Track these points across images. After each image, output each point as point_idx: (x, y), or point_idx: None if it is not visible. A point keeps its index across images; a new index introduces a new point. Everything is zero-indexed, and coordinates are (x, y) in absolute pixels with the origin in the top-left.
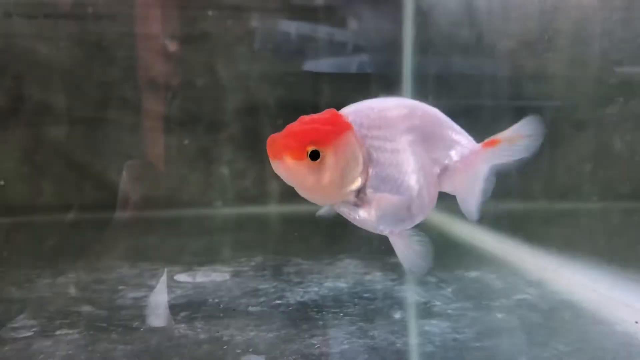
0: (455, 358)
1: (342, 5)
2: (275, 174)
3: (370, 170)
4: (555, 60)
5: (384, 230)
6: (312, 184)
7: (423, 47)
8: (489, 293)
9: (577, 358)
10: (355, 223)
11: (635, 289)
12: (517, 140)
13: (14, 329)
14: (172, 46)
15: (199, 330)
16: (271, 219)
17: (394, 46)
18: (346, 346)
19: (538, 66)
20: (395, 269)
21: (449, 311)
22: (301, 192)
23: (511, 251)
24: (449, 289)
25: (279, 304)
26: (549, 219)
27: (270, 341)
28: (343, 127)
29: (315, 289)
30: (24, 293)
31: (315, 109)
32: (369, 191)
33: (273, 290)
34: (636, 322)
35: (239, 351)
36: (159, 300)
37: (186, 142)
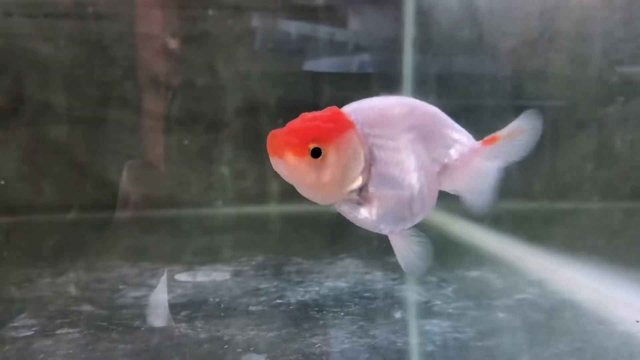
0: (456, 357)
1: (343, 5)
2: (276, 174)
3: (372, 169)
4: (556, 60)
5: (384, 229)
6: (313, 181)
7: (424, 46)
8: (489, 292)
9: (578, 357)
10: (356, 222)
11: (636, 288)
12: (516, 135)
13: (15, 329)
14: (173, 44)
15: (199, 329)
16: (272, 218)
17: (394, 46)
18: (347, 345)
19: (539, 66)
20: (395, 268)
21: (450, 310)
22: (301, 191)
23: (512, 251)
24: (450, 289)
25: (280, 304)
26: (550, 219)
27: (271, 340)
28: (345, 125)
29: (316, 288)
30: (24, 292)
31: (316, 109)
32: (370, 190)
33: (274, 289)
34: (637, 322)
35: (239, 350)
36: (159, 300)
37: (186, 141)
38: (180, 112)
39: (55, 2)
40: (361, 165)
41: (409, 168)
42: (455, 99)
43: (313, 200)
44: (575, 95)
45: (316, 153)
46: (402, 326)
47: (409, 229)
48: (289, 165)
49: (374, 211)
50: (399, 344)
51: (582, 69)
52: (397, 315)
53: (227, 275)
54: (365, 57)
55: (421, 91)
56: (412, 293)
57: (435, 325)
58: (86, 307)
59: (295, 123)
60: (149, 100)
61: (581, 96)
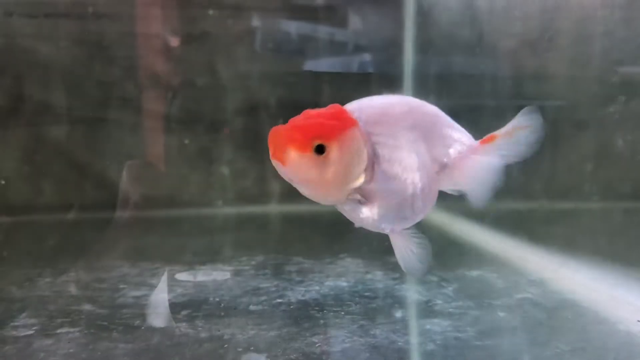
0: (456, 357)
1: (343, 5)
2: (276, 174)
3: (375, 167)
4: (556, 60)
5: (385, 228)
6: (316, 179)
7: (424, 46)
8: (490, 292)
9: (579, 357)
10: (357, 221)
11: (636, 288)
12: (514, 133)
13: (15, 328)
14: (174, 41)
15: (199, 329)
16: (272, 218)
17: (394, 46)
18: (347, 345)
19: (539, 66)
20: (396, 268)
21: (450, 310)
22: (303, 189)
23: (512, 250)
24: (450, 288)
25: (280, 303)
26: (550, 219)
27: (271, 340)
28: (348, 122)
29: (317, 287)
30: (25, 292)
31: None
32: (372, 188)
33: (274, 289)
34: (638, 321)
35: (240, 350)
36: (160, 299)
37: (186, 141)
38: (180, 112)
39: (55, 2)
40: (364, 162)
41: (411, 166)
42: (456, 99)
43: (315, 199)
44: (576, 95)
45: (319, 150)
46: (403, 325)
47: (409, 228)
48: (291, 162)
49: (376, 210)
50: (399, 343)
51: (582, 69)
52: (398, 314)
53: (228, 275)
54: (366, 57)
55: (421, 91)
56: (412, 292)
57: (435, 325)
58: (87, 307)
59: (298, 120)
60: (149, 100)
61: (581, 96)
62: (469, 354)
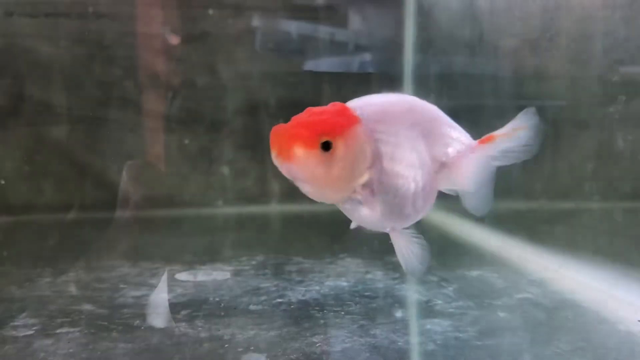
0: (456, 357)
1: (343, 5)
2: (277, 174)
3: (378, 164)
4: (556, 60)
5: (387, 227)
6: (322, 176)
7: (424, 46)
8: (490, 292)
9: (580, 357)
10: (358, 220)
11: (637, 287)
12: (513, 133)
13: (15, 328)
14: (174, 39)
15: (199, 329)
16: (272, 218)
17: (395, 45)
18: (348, 345)
19: (540, 65)
20: (396, 267)
21: (451, 310)
22: (307, 187)
23: (513, 250)
24: (451, 288)
25: (280, 303)
26: (551, 218)
27: (271, 340)
28: (352, 119)
29: (317, 287)
30: (25, 292)
31: None
32: (375, 185)
33: (274, 289)
34: (638, 321)
35: (240, 350)
36: (160, 299)
37: (187, 141)
38: (180, 111)
39: (55, 2)
40: (368, 160)
41: (412, 164)
42: (456, 99)
43: (317, 197)
44: (576, 95)
45: (326, 146)
46: (403, 325)
47: (409, 228)
48: (298, 160)
49: (378, 208)
50: (399, 343)
51: (583, 68)
52: (398, 314)
53: (228, 275)
54: (366, 57)
55: (421, 91)
56: (412, 292)
57: (436, 325)
58: (86, 307)
59: (302, 117)
60: (149, 100)
61: (582, 96)
62: (469, 354)
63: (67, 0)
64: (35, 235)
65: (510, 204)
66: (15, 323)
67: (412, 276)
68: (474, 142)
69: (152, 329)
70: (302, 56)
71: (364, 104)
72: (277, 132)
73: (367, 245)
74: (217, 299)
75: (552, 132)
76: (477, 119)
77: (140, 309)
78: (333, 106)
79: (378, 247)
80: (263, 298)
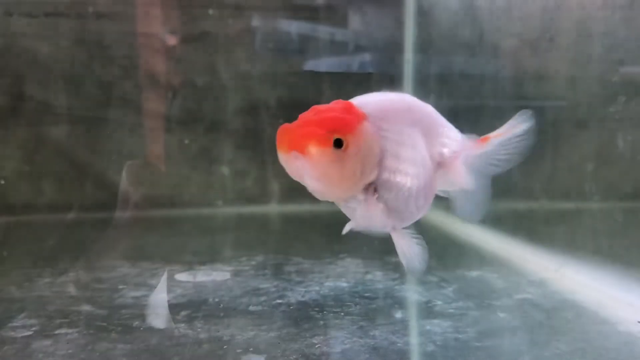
0: (456, 358)
1: (343, 5)
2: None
3: (384, 162)
4: (556, 60)
5: (389, 225)
6: (334, 174)
7: (424, 46)
8: (490, 292)
9: (579, 358)
10: (358, 219)
11: (637, 288)
12: (507, 135)
13: (14, 329)
14: (171, 40)
15: (199, 329)
16: (272, 218)
17: (395, 45)
18: (347, 346)
19: (540, 65)
20: (396, 268)
21: (451, 311)
22: (316, 185)
23: (513, 251)
24: (450, 289)
25: (280, 304)
26: (551, 219)
27: (270, 341)
28: (360, 116)
29: (316, 288)
30: (24, 292)
31: None
32: (379, 183)
33: (274, 289)
34: (638, 322)
35: (239, 351)
36: (159, 300)
37: (187, 141)
38: (180, 111)
39: (55, 2)
40: (377, 157)
41: (415, 162)
42: (456, 99)
43: (324, 196)
44: (576, 95)
45: (338, 144)
46: (403, 326)
47: (409, 228)
48: (311, 158)
49: (381, 206)
50: (399, 344)
51: (582, 68)
52: (398, 315)
53: (227, 275)
54: (366, 57)
55: (421, 91)
56: (412, 293)
57: (435, 326)
58: (86, 307)
59: (310, 115)
60: (149, 100)
61: (582, 96)
62: (469, 355)
63: (67, 0)
64: (35, 235)
65: (510, 204)
66: (14, 324)
67: (413, 275)
68: (469, 143)
69: (151, 329)
70: (302, 56)
71: (366, 102)
72: (287, 130)
73: (367, 246)
74: (217, 300)
75: (552, 132)
76: (477, 119)
77: (139, 309)
78: (338, 104)
79: (378, 247)
80: (262, 299)
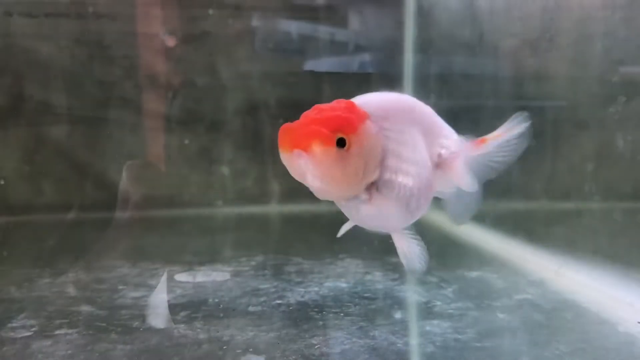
0: (456, 358)
1: (343, 5)
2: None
3: (385, 161)
4: (556, 60)
5: (389, 225)
6: (338, 173)
7: (424, 46)
8: (490, 293)
9: (579, 358)
10: (359, 219)
11: (637, 288)
12: (503, 137)
13: (13, 329)
14: (170, 41)
15: (198, 330)
16: (272, 218)
17: (395, 45)
18: (347, 346)
19: (540, 65)
20: (396, 268)
21: (450, 311)
22: (319, 184)
23: (513, 251)
24: (450, 289)
25: (280, 304)
26: (551, 219)
27: (270, 341)
28: (363, 115)
29: (316, 288)
30: (24, 292)
31: None
32: (380, 183)
33: (273, 290)
34: (638, 322)
35: (239, 351)
36: (159, 300)
37: (187, 141)
38: (180, 111)
39: (55, 2)
40: (379, 156)
41: (416, 162)
42: (456, 99)
43: (326, 196)
44: (576, 95)
45: (341, 143)
46: (402, 327)
47: (409, 228)
48: (315, 157)
49: (382, 205)
50: (399, 345)
51: (582, 68)
52: (397, 315)
53: (227, 276)
54: (366, 57)
55: (421, 91)
56: (412, 293)
57: (435, 326)
58: (85, 308)
59: (313, 115)
60: (149, 100)
61: (582, 96)
62: (468, 355)
63: (67, 0)
64: (35, 235)
65: (510, 204)
66: (14, 324)
67: (413, 276)
68: (467, 144)
69: (151, 330)
70: (302, 56)
71: (367, 101)
72: (290, 129)
73: (366, 246)
74: (217, 300)
75: (552, 132)
76: (477, 119)
77: (139, 310)
78: (340, 103)
79: (378, 247)
80: (262, 299)
